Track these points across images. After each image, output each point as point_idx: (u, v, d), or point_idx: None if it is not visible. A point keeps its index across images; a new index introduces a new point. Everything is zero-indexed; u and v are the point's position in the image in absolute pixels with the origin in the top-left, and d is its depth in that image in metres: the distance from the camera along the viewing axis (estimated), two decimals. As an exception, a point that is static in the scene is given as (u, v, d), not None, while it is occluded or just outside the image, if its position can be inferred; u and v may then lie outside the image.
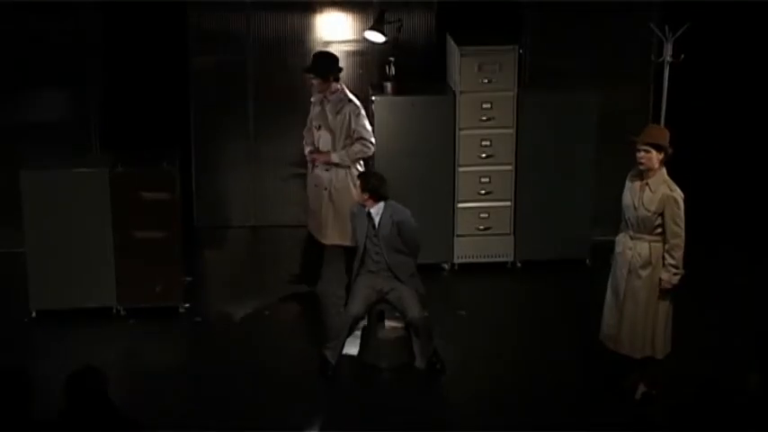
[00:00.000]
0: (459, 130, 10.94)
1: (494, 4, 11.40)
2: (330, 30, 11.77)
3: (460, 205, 11.11)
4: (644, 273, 8.55)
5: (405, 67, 11.09)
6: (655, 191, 8.44)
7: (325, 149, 10.10)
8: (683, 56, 10.90)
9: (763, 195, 11.95)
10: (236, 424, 8.50)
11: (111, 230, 9.99)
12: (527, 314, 10.46)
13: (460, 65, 10.84)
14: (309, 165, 10.31)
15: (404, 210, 9.29)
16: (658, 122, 11.03)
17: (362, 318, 9.41)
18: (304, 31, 11.78)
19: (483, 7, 11.38)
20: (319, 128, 10.15)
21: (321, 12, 11.72)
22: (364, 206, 9.28)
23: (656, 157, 8.44)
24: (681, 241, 8.47)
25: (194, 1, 11.52)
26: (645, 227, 8.51)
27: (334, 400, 9.02)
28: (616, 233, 8.79)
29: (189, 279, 10.58)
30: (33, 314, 10.10)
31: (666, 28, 10.89)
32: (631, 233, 8.59)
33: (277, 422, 8.64)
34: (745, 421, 6.63)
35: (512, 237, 11.21)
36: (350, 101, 10.08)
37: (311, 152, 10.21)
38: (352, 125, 9.98)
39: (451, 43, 11.12)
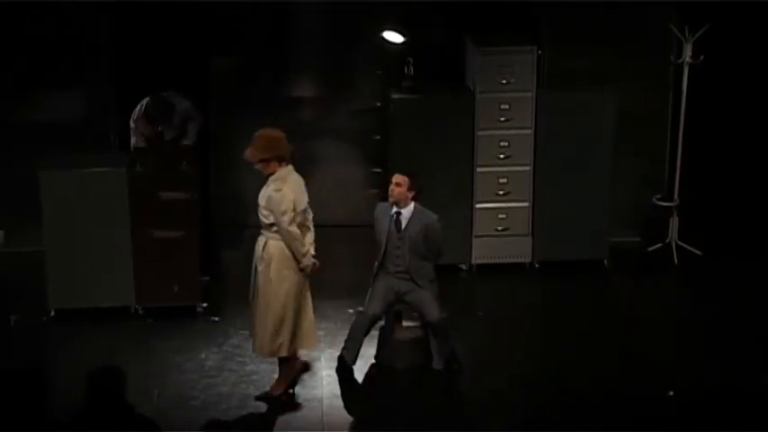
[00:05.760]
0: (478, 130, 10.94)
1: (512, 5, 11.38)
2: (347, 30, 11.78)
3: (478, 206, 11.10)
4: (260, 267, 8.72)
5: (423, 68, 11.09)
6: (267, 186, 8.62)
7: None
8: (702, 57, 10.90)
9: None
10: (253, 422, 8.50)
11: (129, 230, 10.02)
12: (545, 315, 10.44)
13: (479, 65, 10.83)
14: None
15: (432, 214, 9.25)
16: (677, 124, 11.03)
17: (380, 318, 9.40)
18: (323, 31, 11.79)
19: (501, 8, 11.36)
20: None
21: (339, 12, 11.72)
22: (394, 205, 9.22)
23: (254, 155, 8.56)
24: (290, 237, 8.55)
25: (214, 1, 11.53)
26: (262, 222, 8.68)
27: (351, 400, 9.02)
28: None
29: (206, 278, 10.59)
30: (52, 313, 10.13)
31: (686, 29, 10.88)
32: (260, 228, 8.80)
33: (294, 421, 8.66)
34: (751, 422, 6.61)
35: (530, 237, 11.18)
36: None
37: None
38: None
39: (470, 44, 11.11)
